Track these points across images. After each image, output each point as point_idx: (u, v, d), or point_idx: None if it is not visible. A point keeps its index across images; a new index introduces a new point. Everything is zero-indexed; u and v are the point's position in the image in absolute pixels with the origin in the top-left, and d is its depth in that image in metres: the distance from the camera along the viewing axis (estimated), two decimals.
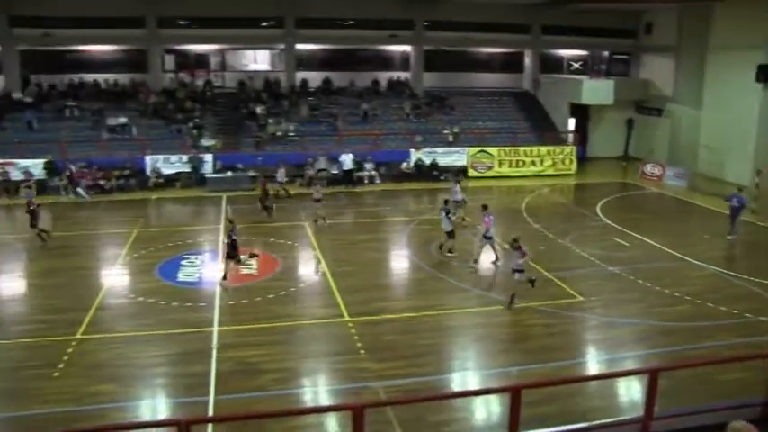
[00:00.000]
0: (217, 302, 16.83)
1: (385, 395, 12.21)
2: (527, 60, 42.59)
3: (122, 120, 33.73)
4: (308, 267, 20.23)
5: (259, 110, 35.29)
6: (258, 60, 40.88)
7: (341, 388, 12.82)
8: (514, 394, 6.59)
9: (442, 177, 32.55)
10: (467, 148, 34.38)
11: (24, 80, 36.39)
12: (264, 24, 37.95)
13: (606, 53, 43.71)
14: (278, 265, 19.91)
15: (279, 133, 33.99)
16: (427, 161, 33.37)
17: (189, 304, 16.78)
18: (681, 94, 36.95)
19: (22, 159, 30.45)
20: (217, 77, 39.25)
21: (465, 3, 37.62)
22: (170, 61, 39.06)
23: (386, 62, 41.71)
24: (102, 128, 33.44)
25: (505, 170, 34.50)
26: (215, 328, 15.25)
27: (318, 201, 24.56)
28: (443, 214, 20.60)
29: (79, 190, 29.47)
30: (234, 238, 17.72)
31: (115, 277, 19.12)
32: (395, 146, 34.55)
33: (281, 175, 29.40)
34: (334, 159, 32.34)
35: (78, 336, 14.93)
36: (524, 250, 16.21)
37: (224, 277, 17.92)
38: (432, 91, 39.70)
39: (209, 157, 31.88)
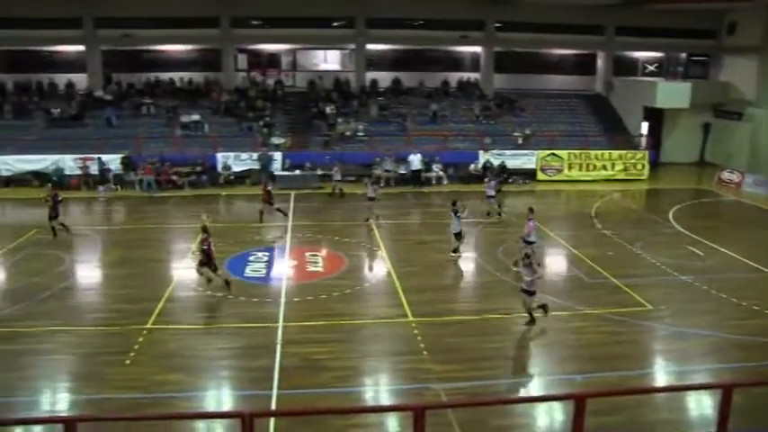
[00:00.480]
0: (282, 298, 17.09)
1: (446, 397, 12.19)
2: (599, 62, 41.72)
3: (195, 117, 34.61)
4: (374, 267, 20.31)
5: (328, 109, 35.64)
6: (328, 60, 41.33)
7: (402, 388, 12.85)
8: (579, 402, 6.48)
9: (510, 180, 32.22)
10: (536, 151, 33.92)
11: (105, 78, 37.75)
12: (335, 24, 38.33)
13: (684, 55, 42.42)
14: (344, 264, 20.08)
15: (348, 133, 34.27)
16: (496, 163, 33.07)
17: (255, 299, 17.10)
18: (764, 98, 35.55)
19: (101, 155, 31.61)
20: (288, 77, 39.86)
21: (537, 4, 37.09)
22: (242, 60, 39.89)
23: (456, 63, 41.57)
24: (176, 125, 34.38)
25: (575, 174, 33.89)
26: (280, 324, 15.49)
27: (372, 199, 24.71)
28: (452, 215, 20.48)
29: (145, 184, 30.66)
30: (206, 247, 17.39)
31: (185, 270, 19.62)
32: (463, 147, 34.37)
33: (336, 173, 29.70)
34: (403, 159, 32.39)
35: (149, 326, 15.41)
36: (536, 268, 15.48)
37: (209, 281, 17.53)
38: (502, 92, 39.34)
39: (278, 155, 32.39)
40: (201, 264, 17.48)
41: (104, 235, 23.47)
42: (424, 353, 14.00)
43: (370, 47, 39.25)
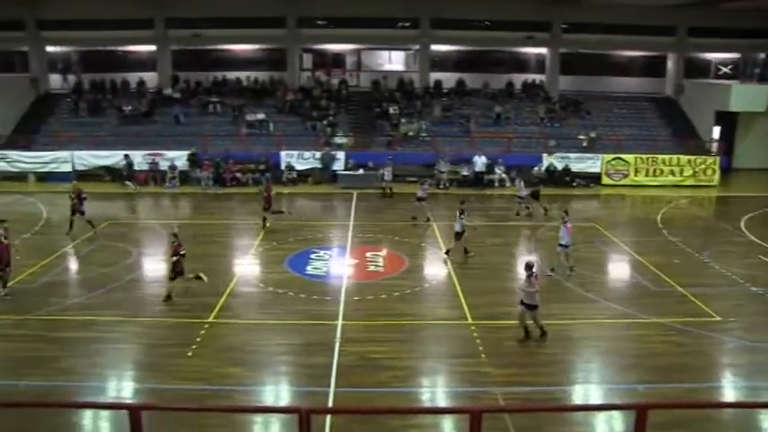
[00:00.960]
0: (342, 297, 17.23)
1: (504, 401, 12.09)
2: (670, 64, 40.64)
3: (260, 116, 35.21)
4: (434, 268, 20.27)
5: (392, 109, 35.76)
6: (393, 60, 41.48)
7: (460, 390, 12.81)
8: (640, 413, 6.33)
9: (574, 184, 31.72)
10: (601, 155, 33.23)
11: (174, 77, 38.75)
12: (400, 25, 38.45)
13: (762, 55, 40.73)
14: (404, 264, 20.12)
15: (411, 133, 34.32)
16: (559, 166, 32.59)
17: (315, 297, 17.29)
18: None
19: (168, 151, 32.48)
20: (352, 77, 40.15)
21: (605, 4, 36.39)
22: (307, 60, 40.41)
23: (521, 64, 41.16)
24: (242, 123, 35.06)
25: (641, 179, 33.07)
26: (339, 322, 15.63)
27: (421, 199, 24.63)
28: (457, 214, 20.44)
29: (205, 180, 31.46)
30: (182, 252, 17.08)
31: (247, 266, 20.03)
32: (527, 150, 33.99)
33: (387, 174, 29.78)
34: (466, 161, 32.23)
35: (211, 319, 15.78)
36: (534, 281, 14.39)
37: (168, 297, 16.98)
38: (567, 94, 38.73)
39: (341, 155, 32.67)
40: (173, 278, 17.02)
41: (170, 229, 24.01)
42: (483, 356, 13.92)
43: (434, 47, 39.21)
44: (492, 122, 35.84)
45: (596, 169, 32.99)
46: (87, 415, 11.62)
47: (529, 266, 14.52)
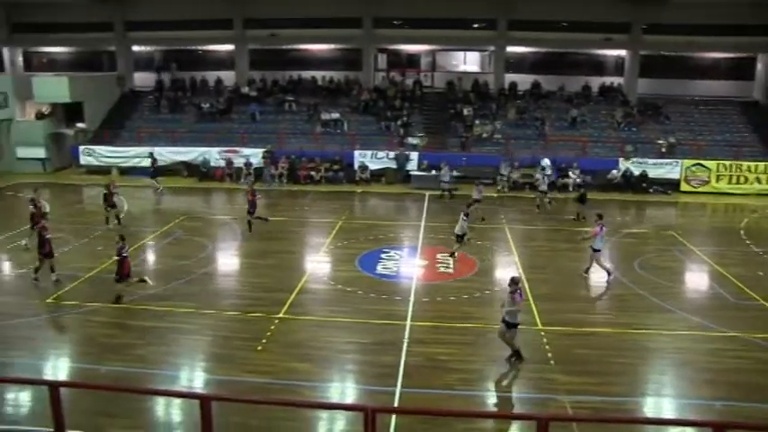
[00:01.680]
0: (412, 297, 17.24)
1: (572, 410, 11.85)
2: (759, 66, 38.88)
3: (335, 115, 35.60)
4: (505, 271, 20.02)
5: (466, 111, 35.57)
6: (468, 62, 41.26)
7: (526, 396, 12.65)
8: None
9: (651, 190, 30.85)
10: (681, 161, 32.17)
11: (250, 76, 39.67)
12: (476, 26, 38.19)
13: None
14: (474, 267, 19.98)
15: (485, 135, 34.08)
16: (636, 172, 31.73)
17: (385, 297, 17.36)
18: None
19: (244, 148, 33.21)
20: (426, 77, 40.14)
21: (690, 4, 35.18)
22: (383, 60, 40.65)
23: (598, 66, 40.24)
24: (317, 122, 35.51)
25: (723, 186, 31.83)
26: (408, 323, 15.64)
27: (477, 201, 24.39)
28: (462, 216, 20.30)
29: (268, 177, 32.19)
30: (124, 255, 16.84)
31: (318, 264, 20.28)
32: (603, 154, 33.25)
33: (445, 174, 29.62)
34: (537, 164, 31.69)
35: (281, 315, 16.04)
36: (518, 298, 13.34)
37: (118, 298, 16.87)
38: (646, 98, 37.58)
39: (414, 155, 32.68)
40: (117, 280, 16.89)
41: (244, 225, 24.59)
42: (552, 362, 13.69)
43: (510, 49, 38.80)
44: (567, 126, 35.22)
45: (675, 176, 31.96)
46: (160, 402, 12.00)
47: (514, 282, 13.55)
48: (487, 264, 20.48)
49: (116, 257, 16.93)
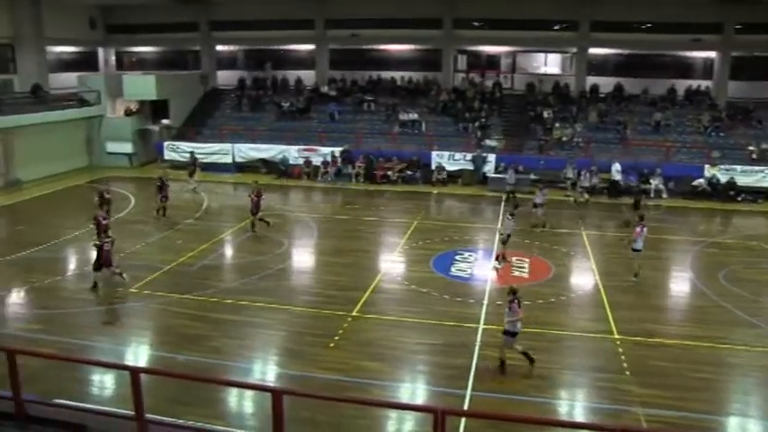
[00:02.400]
0: (485, 300, 17.10)
1: (646, 423, 11.48)
2: None
3: (413, 116, 35.61)
4: (581, 277, 19.61)
5: (546, 113, 35.00)
6: (548, 63, 40.57)
7: (599, 406, 12.31)
8: None
9: (739, 198, 29.57)
10: None
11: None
12: (557, 27, 37.50)
13: None
14: (550, 272, 19.64)
15: (564, 138, 33.45)
16: (723, 179, 30.44)
17: (458, 299, 17.26)
18: None
19: (322, 147, 33.63)
20: (506, 79, 39.69)
21: None
22: (462, 61, 40.41)
23: (685, 69, 38.66)
24: (395, 122, 35.61)
25: None
26: (480, 326, 15.51)
27: (538, 206, 23.90)
28: (508, 217, 19.93)
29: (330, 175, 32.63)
30: (105, 243, 17.54)
31: (392, 264, 20.34)
32: (687, 160, 32.05)
33: (510, 177, 29.44)
34: (607, 169, 30.76)
35: (354, 313, 16.17)
36: (515, 307, 13.14)
37: (94, 285, 17.61)
38: (736, 102, 35.94)
39: (492, 157, 32.35)
40: (97, 268, 17.58)
41: (321, 223, 24.95)
42: (627, 373, 13.30)
43: (592, 51, 37.91)
44: (650, 130, 34.13)
45: (766, 184, 30.49)
46: (233, 393, 12.28)
47: (512, 291, 13.43)
48: (563, 269, 20.08)
49: (96, 244, 17.76)
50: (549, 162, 31.39)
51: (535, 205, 24.27)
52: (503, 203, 27.95)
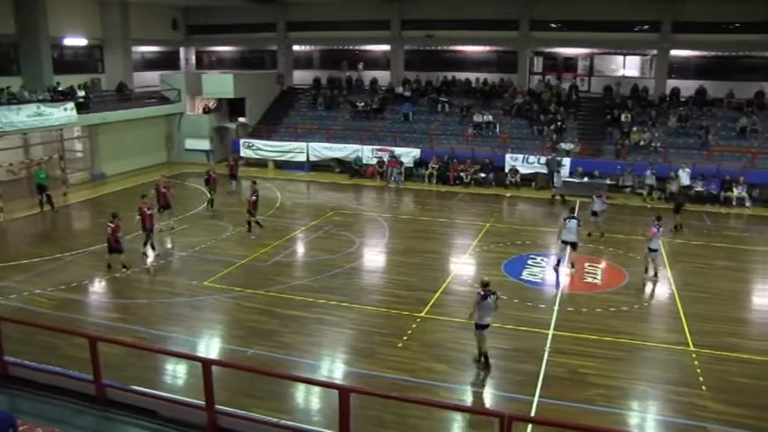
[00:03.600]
0: (556, 306, 16.82)
1: None
2: None
3: (488, 117, 35.30)
4: (656, 286, 19.00)
5: (624, 117, 34.14)
6: (627, 66, 39.54)
7: (672, 421, 11.90)
8: None
9: None
10: None
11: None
12: (638, 29, 36.45)
13: None
14: (624, 279, 19.15)
15: (642, 143, 32.56)
16: None
17: (529, 303, 17.03)
18: None
19: (395, 147, 33.73)
20: (583, 82, 38.93)
21: None
22: (538, 63, 39.84)
23: None
24: (469, 124, 35.41)
25: None
26: (550, 332, 15.26)
27: (596, 214, 23.14)
28: (572, 221, 19.29)
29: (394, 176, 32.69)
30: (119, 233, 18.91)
31: (463, 266, 20.24)
32: None
33: (557, 179, 29.20)
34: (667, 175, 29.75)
35: (422, 314, 16.17)
36: (477, 298, 13.26)
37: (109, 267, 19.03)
38: None
39: (566, 161, 31.75)
40: (110, 252, 18.99)
41: (392, 223, 25.02)
42: (703, 388, 12.82)
43: (674, 53, 36.73)
44: (735, 136, 32.84)
45: None
46: (301, 388, 12.45)
47: (483, 284, 13.47)
48: (637, 277, 19.51)
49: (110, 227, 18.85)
50: (624, 167, 30.60)
51: (594, 213, 23.36)
52: (576, 209, 27.42)
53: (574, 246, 19.47)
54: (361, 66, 42.28)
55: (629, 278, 19.24)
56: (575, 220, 19.48)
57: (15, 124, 27.19)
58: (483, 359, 13.56)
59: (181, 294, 17.53)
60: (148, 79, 39.89)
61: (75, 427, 7.25)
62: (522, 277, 19.10)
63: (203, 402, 7.77)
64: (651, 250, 18.91)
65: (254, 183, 24.06)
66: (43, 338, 13.32)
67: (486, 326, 13.40)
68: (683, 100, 35.82)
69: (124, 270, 18.92)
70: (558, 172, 30.17)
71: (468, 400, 12.54)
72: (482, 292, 13.30)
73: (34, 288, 17.68)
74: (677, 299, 17.60)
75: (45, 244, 22.33)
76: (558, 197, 29.08)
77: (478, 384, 13.13)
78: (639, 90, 36.65)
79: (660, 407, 12.43)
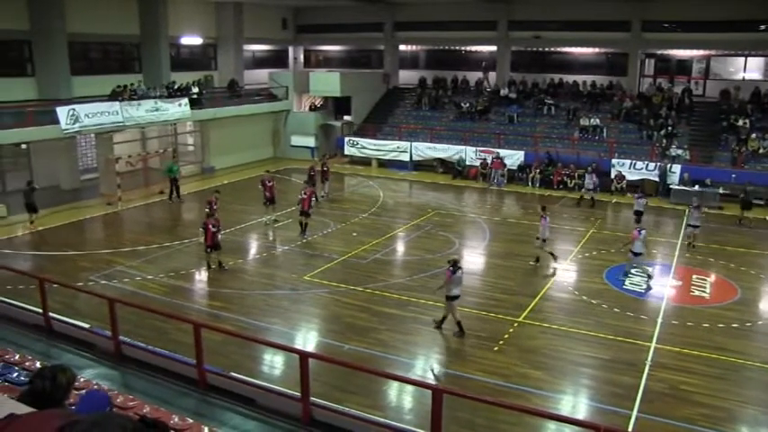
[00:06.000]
0: (660, 319, 16.20)
1: None
2: None
3: (595, 121, 34.40)
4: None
5: (741, 122, 32.45)
6: (748, 69, 37.47)
7: None
8: None
9: None
10: None
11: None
12: (763, 28, 34.41)
13: None
14: (735, 295, 18.21)
15: (761, 150, 30.86)
16: None
17: (630, 314, 16.50)
18: None
19: (499, 149, 33.41)
20: (697, 85, 37.22)
21: None
22: (650, 66, 38.41)
23: None
24: (575, 127, 34.61)
25: None
26: (652, 344, 14.73)
27: (693, 227, 21.96)
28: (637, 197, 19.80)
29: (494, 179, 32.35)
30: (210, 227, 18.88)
31: (564, 272, 19.81)
32: None
33: (589, 182, 28.59)
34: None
35: (520, 319, 15.98)
36: (449, 273, 14.88)
37: (209, 266, 19.38)
38: None
39: (677, 168, 30.51)
40: (207, 251, 19.11)
41: (493, 225, 24.81)
42: None
43: None
44: None
45: None
46: (394, 386, 12.54)
47: (452, 262, 15.20)
48: (751, 292, 18.52)
49: (202, 228, 19.16)
50: (740, 176, 29.03)
51: (690, 226, 22.31)
52: (685, 218, 26.36)
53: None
54: (486, 66, 41.75)
55: (741, 293, 18.29)
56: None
57: (135, 119, 28.90)
58: (458, 327, 14.87)
59: (281, 287, 18.04)
60: (258, 77, 41.16)
61: (179, 408, 7.60)
62: (625, 287, 18.50)
63: (299, 394, 7.97)
64: (634, 254, 18.77)
65: (268, 170, 26.26)
66: (154, 322, 14.03)
67: (456, 297, 14.95)
68: None
69: (222, 267, 19.42)
70: (589, 176, 29.30)
71: (562, 409, 12.28)
72: (451, 269, 14.85)
73: (146, 274, 18.66)
74: None
75: (157, 232, 23.51)
76: (587, 197, 28.68)
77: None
78: (761, 94, 34.67)
79: None
